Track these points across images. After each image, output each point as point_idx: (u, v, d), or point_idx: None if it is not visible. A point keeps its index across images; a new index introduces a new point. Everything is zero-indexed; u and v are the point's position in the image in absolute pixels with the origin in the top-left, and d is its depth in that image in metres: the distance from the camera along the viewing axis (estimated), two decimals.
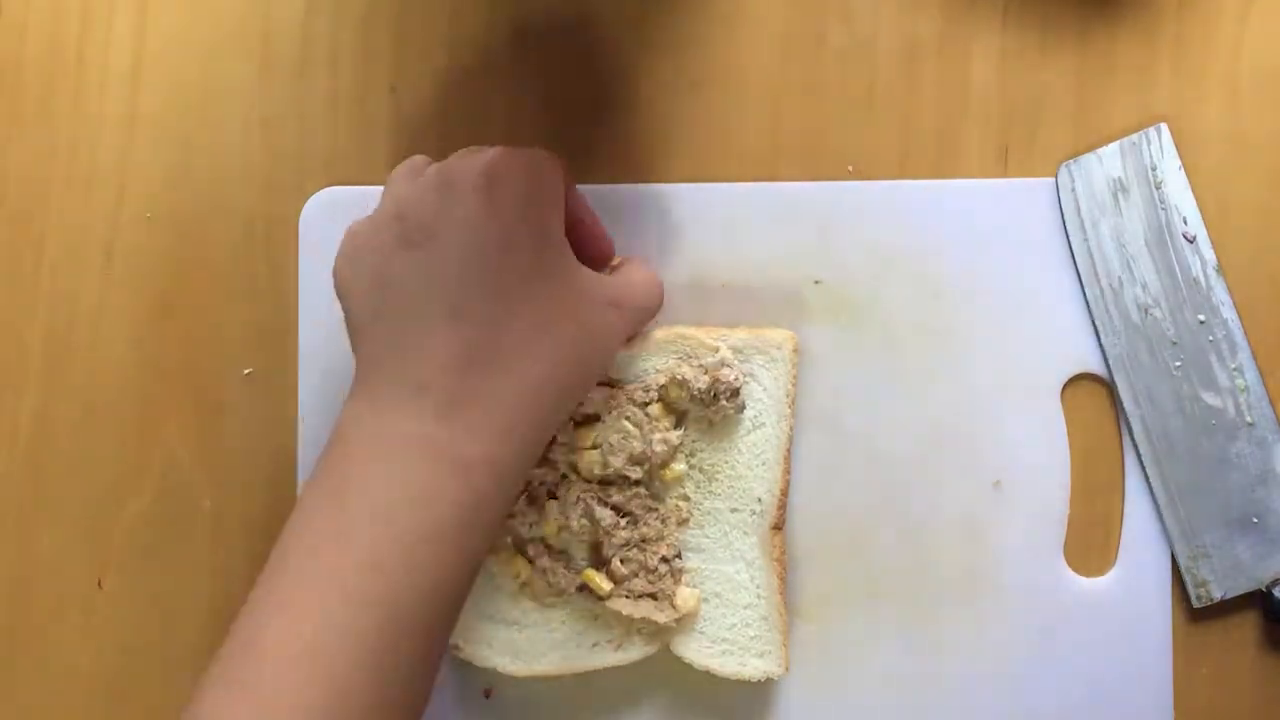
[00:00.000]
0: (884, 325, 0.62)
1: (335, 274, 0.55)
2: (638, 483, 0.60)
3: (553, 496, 0.60)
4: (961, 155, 0.63)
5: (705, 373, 0.60)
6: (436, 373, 0.51)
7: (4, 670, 0.64)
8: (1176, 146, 0.62)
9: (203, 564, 0.63)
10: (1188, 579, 0.61)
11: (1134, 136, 0.63)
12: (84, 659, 0.64)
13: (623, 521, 0.59)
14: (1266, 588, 0.61)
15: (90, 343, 0.64)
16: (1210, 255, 0.62)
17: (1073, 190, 0.62)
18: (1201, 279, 0.62)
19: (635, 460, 0.59)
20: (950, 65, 0.63)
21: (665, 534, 0.60)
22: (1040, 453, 0.62)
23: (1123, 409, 0.62)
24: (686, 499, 0.61)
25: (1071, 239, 0.62)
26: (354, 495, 0.50)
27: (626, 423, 0.59)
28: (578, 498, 0.59)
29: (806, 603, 0.62)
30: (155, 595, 0.63)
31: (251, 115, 0.64)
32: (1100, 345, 0.62)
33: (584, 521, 0.59)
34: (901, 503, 0.62)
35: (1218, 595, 0.61)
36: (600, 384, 0.60)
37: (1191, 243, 0.62)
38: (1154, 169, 0.62)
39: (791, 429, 0.61)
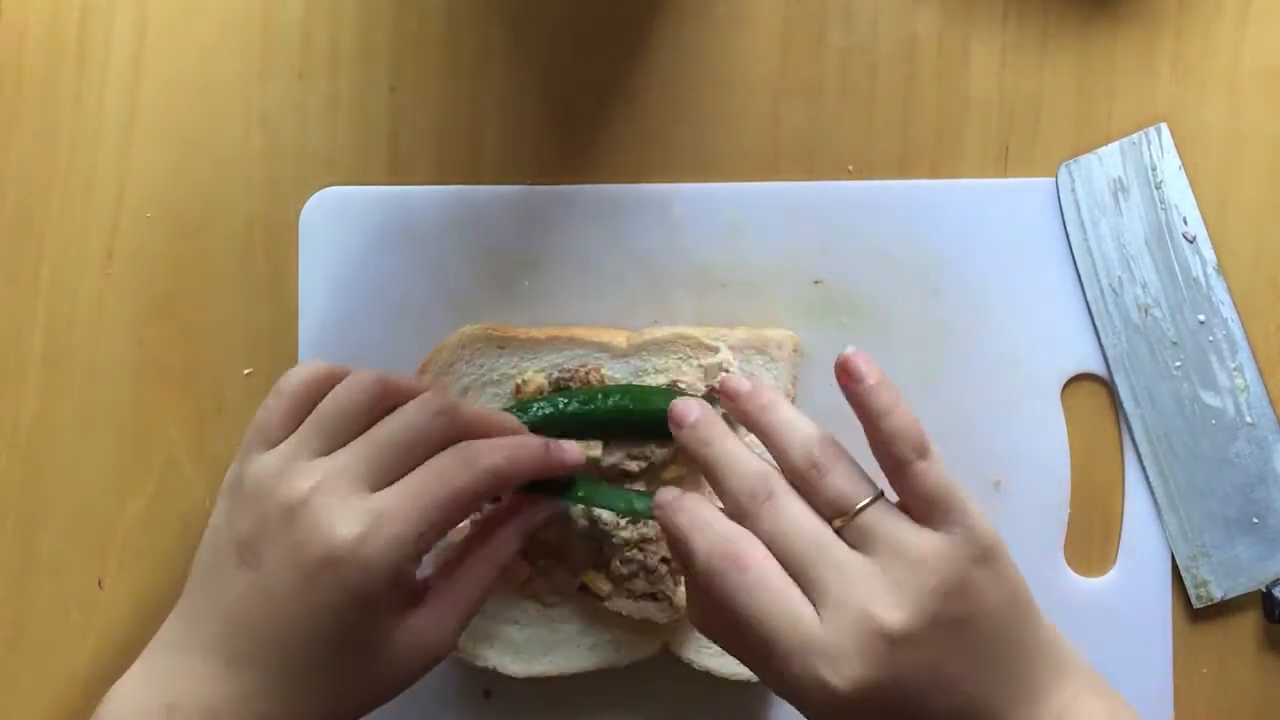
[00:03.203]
0: (884, 325, 0.62)
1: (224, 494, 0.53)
2: (638, 482, 0.60)
3: None
4: (961, 155, 0.63)
5: (703, 376, 0.60)
6: (188, 698, 0.50)
7: (4, 670, 0.64)
8: (1176, 146, 0.62)
9: None
10: (1188, 579, 0.61)
11: (1134, 136, 0.63)
12: (84, 659, 0.64)
13: (622, 522, 0.59)
14: (1266, 588, 0.61)
15: (90, 343, 0.64)
16: (1210, 255, 0.62)
17: (1073, 190, 0.62)
18: (1201, 279, 0.62)
19: (635, 460, 0.59)
20: (950, 65, 0.63)
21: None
22: (1040, 453, 0.62)
23: (1123, 409, 0.62)
24: None
25: (1071, 239, 0.62)
26: None
27: None
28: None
29: None
30: (155, 595, 0.63)
31: (251, 115, 0.64)
32: (1100, 345, 0.62)
33: (584, 522, 0.59)
34: None
35: (1218, 595, 0.61)
36: (599, 385, 0.60)
37: (1191, 243, 0.62)
38: (1154, 169, 0.62)
39: None
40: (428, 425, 0.52)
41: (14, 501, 0.64)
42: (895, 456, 0.49)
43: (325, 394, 0.53)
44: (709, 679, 0.60)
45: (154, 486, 0.64)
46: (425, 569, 0.54)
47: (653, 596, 0.59)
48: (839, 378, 0.50)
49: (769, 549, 0.48)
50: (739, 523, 0.49)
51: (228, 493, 0.53)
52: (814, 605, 0.47)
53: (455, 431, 0.53)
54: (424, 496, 0.50)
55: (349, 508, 0.50)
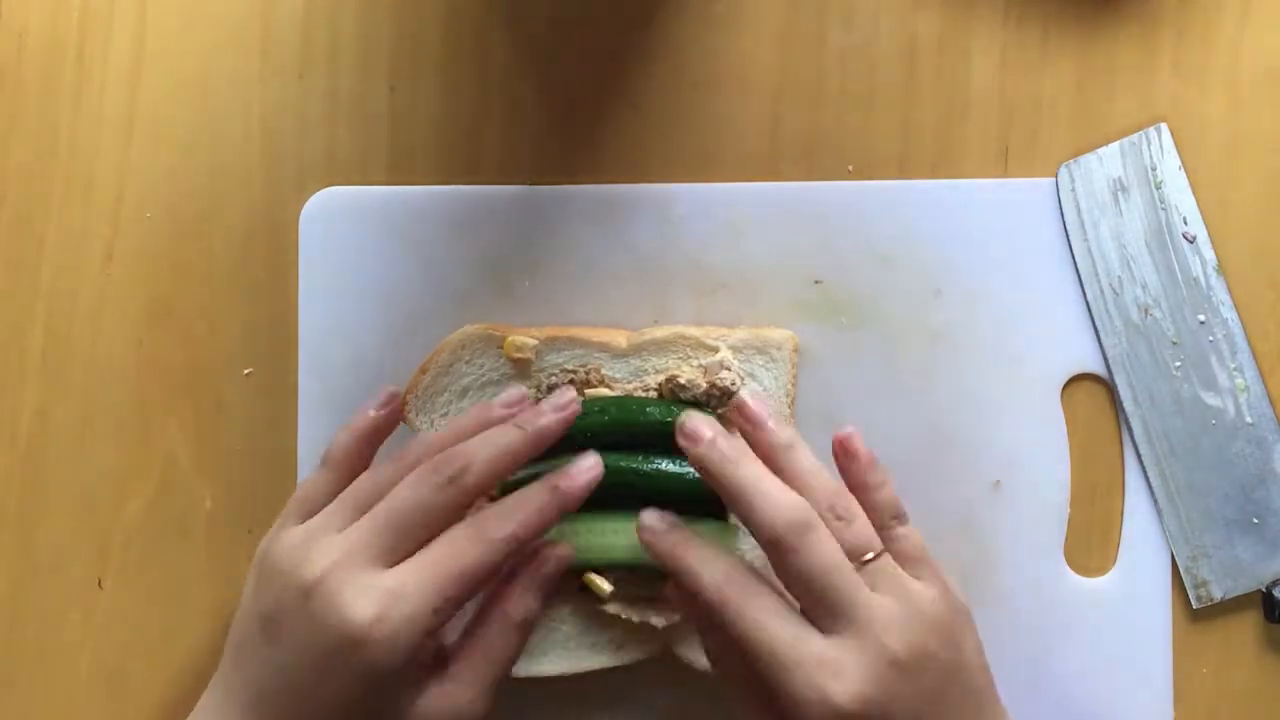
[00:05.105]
0: (884, 325, 0.62)
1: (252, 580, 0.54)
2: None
3: None
4: (961, 155, 0.63)
5: (704, 374, 0.60)
6: None
7: (4, 670, 0.64)
8: (1176, 146, 0.62)
9: (203, 564, 0.63)
10: (1188, 579, 0.61)
11: (1134, 136, 0.63)
12: (84, 659, 0.63)
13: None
14: (1266, 588, 0.61)
15: (90, 343, 0.64)
16: (1210, 255, 0.62)
17: (1073, 190, 0.62)
18: (1201, 279, 0.62)
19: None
20: (950, 65, 0.63)
21: None
22: (1040, 453, 0.62)
23: (1123, 409, 0.62)
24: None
25: (1071, 239, 0.62)
26: None
27: None
28: None
29: None
30: (155, 595, 0.63)
31: (251, 115, 0.64)
32: (1100, 345, 0.62)
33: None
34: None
35: (1218, 595, 0.61)
36: (599, 385, 0.60)
37: (1191, 243, 0.62)
38: (1154, 169, 0.62)
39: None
40: (433, 499, 0.53)
41: (14, 501, 0.64)
42: (878, 522, 0.54)
43: (369, 457, 0.56)
44: (709, 679, 0.60)
45: (154, 486, 0.64)
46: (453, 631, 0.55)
47: (651, 600, 0.59)
48: (836, 452, 0.56)
49: (799, 579, 0.51)
50: (771, 550, 0.52)
51: (255, 566, 0.54)
52: (825, 629, 0.51)
53: (466, 498, 0.53)
54: (438, 572, 0.51)
55: (363, 586, 0.51)
